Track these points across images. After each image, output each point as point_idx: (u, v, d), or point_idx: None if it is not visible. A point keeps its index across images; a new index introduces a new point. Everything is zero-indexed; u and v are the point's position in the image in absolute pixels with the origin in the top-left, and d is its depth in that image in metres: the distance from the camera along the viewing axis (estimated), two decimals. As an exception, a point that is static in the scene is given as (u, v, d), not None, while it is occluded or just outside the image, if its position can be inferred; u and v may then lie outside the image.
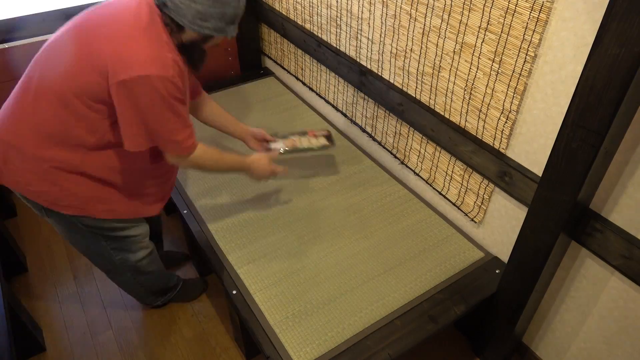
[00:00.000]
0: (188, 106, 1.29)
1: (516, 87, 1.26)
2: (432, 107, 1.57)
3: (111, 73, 1.11)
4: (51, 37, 1.24)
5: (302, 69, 2.30)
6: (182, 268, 2.03)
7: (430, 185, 1.72)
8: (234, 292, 1.42)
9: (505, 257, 1.52)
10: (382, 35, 1.66)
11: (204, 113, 1.60)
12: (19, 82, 1.26)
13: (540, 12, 1.12)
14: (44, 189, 1.25)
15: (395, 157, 1.85)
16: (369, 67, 1.80)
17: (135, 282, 1.62)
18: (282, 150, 1.68)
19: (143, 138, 1.20)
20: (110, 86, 1.12)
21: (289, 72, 2.43)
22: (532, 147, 1.29)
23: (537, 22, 1.14)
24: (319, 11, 1.97)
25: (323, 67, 2.11)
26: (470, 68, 1.37)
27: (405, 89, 1.66)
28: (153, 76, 1.10)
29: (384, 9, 1.59)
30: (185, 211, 1.69)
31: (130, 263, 1.52)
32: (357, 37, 1.80)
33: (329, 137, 1.79)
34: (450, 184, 1.63)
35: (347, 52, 1.90)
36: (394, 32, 1.60)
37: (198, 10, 1.12)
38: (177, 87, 1.16)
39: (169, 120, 1.19)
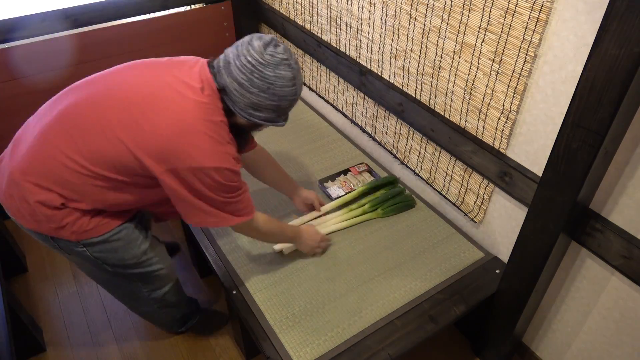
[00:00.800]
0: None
1: (516, 87, 1.26)
2: (432, 107, 1.57)
3: (163, 159, 1.08)
4: (94, 78, 1.18)
5: (302, 69, 2.30)
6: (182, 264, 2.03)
7: (430, 185, 1.72)
8: (234, 292, 1.42)
9: (505, 257, 1.52)
10: (382, 35, 1.66)
11: (256, 168, 1.55)
12: (47, 108, 1.18)
13: (540, 12, 1.12)
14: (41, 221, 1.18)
15: (395, 157, 1.85)
16: (369, 67, 1.80)
17: (161, 313, 1.57)
18: (341, 194, 1.72)
19: (202, 214, 1.18)
20: (159, 171, 1.09)
21: (289, 72, 2.43)
22: (532, 147, 1.29)
23: (537, 22, 1.14)
24: (319, 11, 1.97)
25: (323, 67, 2.11)
26: (470, 68, 1.37)
27: (405, 89, 1.66)
28: (210, 168, 1.09)
29: (384, 9, 1.59)
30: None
31: (156, 296, 1.47)
32: (357, 37, 1.80)
33: (371, 171, 1.84)
34: (450, 184, 1.63)
35: (347, 52, 1.90)
36: (394, 32, 1.60)
37: (253, 102, 1.09)
38: (235, 173, 1.15)
39: (226, 201, 1.17)
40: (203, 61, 1.17)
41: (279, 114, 1.14)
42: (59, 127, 1.13)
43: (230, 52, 1.10)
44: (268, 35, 1.10)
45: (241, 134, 1.21)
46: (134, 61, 1.21)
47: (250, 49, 1.07)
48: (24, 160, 1.14)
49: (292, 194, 1.62)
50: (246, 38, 1.10)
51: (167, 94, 1.10)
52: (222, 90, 1.11)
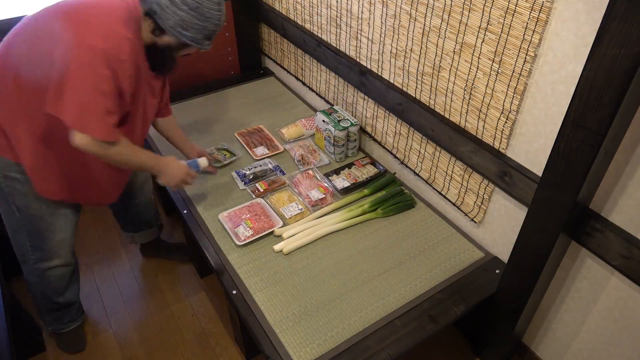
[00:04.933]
0: (127, 108, 1.30)
1: (516, 87, 1.26)
2: (432, 107, 1.57)
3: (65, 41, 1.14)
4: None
5: (302, 69, 2.30)
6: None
7: (430, 185, 1.72)
8: (234, 292, 1.42)
9: (505, 257, 1.52)
10: (382, 35, 1.66)
11: (159, 124, 1.68)
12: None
13: (540, 12, 1.12)
14: None
15: (395, 157, 1.85)
16: (369, 67, 1.80)
17: (39, 289, 1.59)
18: (347, 185, 1.75)
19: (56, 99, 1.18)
20: (62, 45, 1.14)
21: (289, 72, 2.43)
22: (532, 147, 1.30)
23: (537, 22, 1.14)
24: (319, 11, 1.97)
25: (323, 67, 2.11)
26: (470, 68, 1.37)
27: (405, 89, 1.66)
28: (97, 47, 1.14)
29: (384, 9, 1.59)
30: (185, 211, 1.69)
31: (40, 267, 1.52)
32: (357, 37, 1.80)
33: (374, 164, 1.87)
34: (450, 184, 1.63)
35: (347, 52, 1.90)
36: (394, 32, 1.60)
37: (182, 19, 1.20)
38: (120, 69, 1.18)
39: (87, 91, 1.16)
40: None
41: (204, 36, 1.26)
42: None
43: None
44: None
45: (166, 54, 1.32)
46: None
47: None
48: None
49: (190, 153, 1.74)
50: None
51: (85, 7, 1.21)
52: (150, 11, 1.21)
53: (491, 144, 1.41)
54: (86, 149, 1.23)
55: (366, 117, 1.94)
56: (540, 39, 1.15)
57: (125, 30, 1.20)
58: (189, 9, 1.18)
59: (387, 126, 1.83)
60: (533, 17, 1.14)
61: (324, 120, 1.87)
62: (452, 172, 1.60)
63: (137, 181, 1.75)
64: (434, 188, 1.71)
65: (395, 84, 1.70)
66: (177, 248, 2.09)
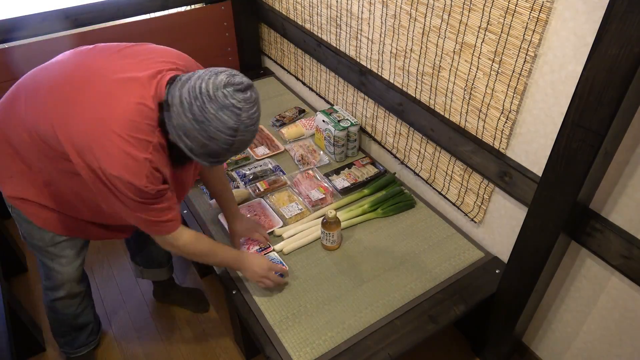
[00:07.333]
0: (174, 188, 1.20)
1: (516, 87, 1.26)
2: (432, 107, 1.57)
3: (80, 152, 1.05)
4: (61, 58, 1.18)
5: (302, 69, 2.30)
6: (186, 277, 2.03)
7: (430, 185, 1.72)
8: (234, 292, 1.42)
9: (505, 257, 1.52)
10: (382, 35, 1.66)
11: (209, 179, 1.48)
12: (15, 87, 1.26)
13: (540, 12, 1.12)
14: None
15: (395, 157, 1.85)
16: (369, 67, 1.80)
17: (49, 312, 1.54)
18: (347, 185, 1.75)
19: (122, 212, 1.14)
20: (77, 163, 1.06)
21: (289, 72, 2.43)
22: (532, 147, 1.30)
23: (537, 22, 1.14)
24: (319, 11, 1.97)
25: (323, 67, 2.11)
26: (470, 68, 1.37)
27: (405, 89, 1.66)
28: (123, 179, 1.03)
29: (384, 9, 1.59)
30: (185, 211, 1.69)
31: (48, 296, 1.46)
32: (357, 37, 1.80)
33: (374, 164, 1.87)
34: (450, 184, 1.63)
35: (347, 52, 1.90)
36: (394, 32, 1.60)
37: (185, 125, 1.01)
38: (141, 191, 1.06)
39: (140, 216, 1.13)
40: (171, 70, 1.12)
41: (206, 154, 1.05)
42: (24, 97, 1.19)
43: (201, 71, 1.04)
44: (245, 79, 1.02)
45: (177, 151, 1.10)
46: (107, 45, 1.18)
47: (213, 78, 1.00)
48: None
49: (230, 222, 1.51)
50: (222, 68, 1.04)
51: (108, 87, 1.07)
52: (165, 102, 1.05)
53: (491, 144, 1.41)
54: (163, 246, 1.25)
55: (366, 117, 1.94)
56: (540, 39, 1.15)
57: (141, 149, 1.05)
58: (193, 119, 0.99)
59: (387, 126, 1.83)
60: (533, 17, 1.14)
61: (324, 120, 1.87)
62: (452, 172, 1.60)
63: None
64: (434, 188, 1.71)
65: (395, 84, 1.70)
66: (192, 294, 1.91)
